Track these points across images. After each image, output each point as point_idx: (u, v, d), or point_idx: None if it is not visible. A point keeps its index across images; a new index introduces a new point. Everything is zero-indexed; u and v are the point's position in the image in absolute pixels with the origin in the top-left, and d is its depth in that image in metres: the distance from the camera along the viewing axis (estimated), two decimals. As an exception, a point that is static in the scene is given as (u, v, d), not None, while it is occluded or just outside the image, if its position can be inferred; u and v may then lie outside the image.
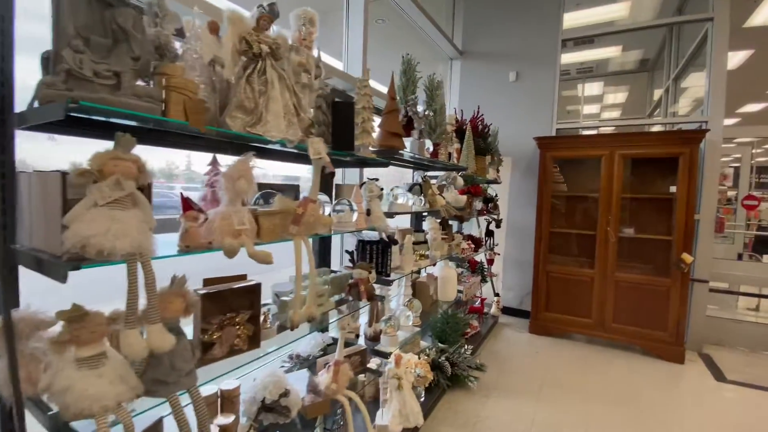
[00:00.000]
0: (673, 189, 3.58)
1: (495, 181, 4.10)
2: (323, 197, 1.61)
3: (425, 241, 2.76)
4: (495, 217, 4.07)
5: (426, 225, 2.73)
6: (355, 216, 1.67)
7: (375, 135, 1.91)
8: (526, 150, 4.36)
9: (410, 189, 2.59)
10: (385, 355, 2.01)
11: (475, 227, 4.47)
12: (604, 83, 7.62)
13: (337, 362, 1.66)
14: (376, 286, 2.01)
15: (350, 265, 1.80)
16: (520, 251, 4.48)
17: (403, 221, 3.07)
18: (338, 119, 1.46)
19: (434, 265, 2.84)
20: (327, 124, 1.56)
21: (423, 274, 3.14)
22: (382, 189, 1.84)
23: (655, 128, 4.53)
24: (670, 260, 3.49)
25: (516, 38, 4.44)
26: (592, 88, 7.91)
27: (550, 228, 3.96)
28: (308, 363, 1.92)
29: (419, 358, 2.66)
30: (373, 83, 2.81)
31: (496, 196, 4.26)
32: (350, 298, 1.80)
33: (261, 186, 1.46)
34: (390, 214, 2.01)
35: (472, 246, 3.45)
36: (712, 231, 3.64)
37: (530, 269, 4.06)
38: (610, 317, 3.71)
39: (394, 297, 2.72)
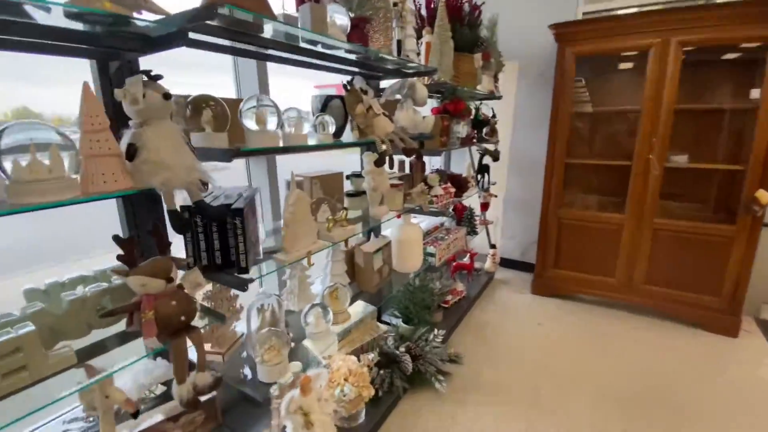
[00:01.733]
0: (755, 95, 2.39)
1: (492, 96, 2.94)
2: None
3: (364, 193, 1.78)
4: (490, 147, 2.98)
5: (365, 166, 1.72)
6: (67, 163, 0.69)
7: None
8: (540, 49, 3.11)
9: (324, 106, 1.54)
10: (256, 402, 1.16)
11: (466, 160, 3.41)
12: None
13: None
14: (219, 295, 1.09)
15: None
16: (526, 190, 3.44)
17: (349, 164, 2.03)
18: None
19: (398, 218, 1.89)
20: None
21: (387, 235, 2.21)
22: (169, 97, 0.82)
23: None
24: (740, 200, 2.42)
25: None
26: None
27: (566, 158, 2.87)
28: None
29: (362, 359, 1.83)
30: None
31: (494, 117, 3.12)
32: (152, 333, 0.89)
33: None
34: (229, 154, 1.00)
35: (451, 190, 2.44)
36: (808, 155, 2.50)
37: (538, 213, 3.07)
38: (641, 276, 2.77)
39: (317, 279, 1.82)
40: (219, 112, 1.10)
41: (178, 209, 0.93)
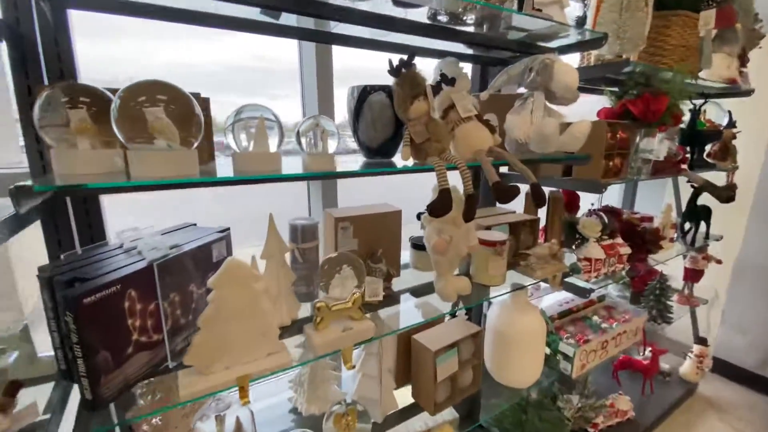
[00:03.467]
0: None
1: (733, 89, 1.69)
2: None
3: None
4: (712, 179, 1.73)
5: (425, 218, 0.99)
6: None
7: None
8: None
9: (360, 104, 0.89)
10: None
11: (667, 194, 2.20)
12: None
13: None
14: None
15: None
16: (784, 255, 1.96)
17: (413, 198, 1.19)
18: None
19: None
20: None
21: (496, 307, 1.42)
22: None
23: None
24: None
25: None
26: None
27: None
28: None
29: None
30: None
31: (732, 125, 1.82)
32: None
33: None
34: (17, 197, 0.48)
35: (622, 251, 1.41)
36: None
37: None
38: None
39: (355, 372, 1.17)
40: (97, 114, 0.60)
41: None
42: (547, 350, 1.45)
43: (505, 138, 1.08)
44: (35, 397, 0.69)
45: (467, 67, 1.39)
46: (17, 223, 0.70)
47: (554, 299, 1.72)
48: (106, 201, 1.04)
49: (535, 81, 1.01)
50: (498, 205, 1.51)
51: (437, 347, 1.08)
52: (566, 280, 1.34)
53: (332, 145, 0.71)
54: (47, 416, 0.65)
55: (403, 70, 0.84)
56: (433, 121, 0.85)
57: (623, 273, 1.89)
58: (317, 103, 1.31)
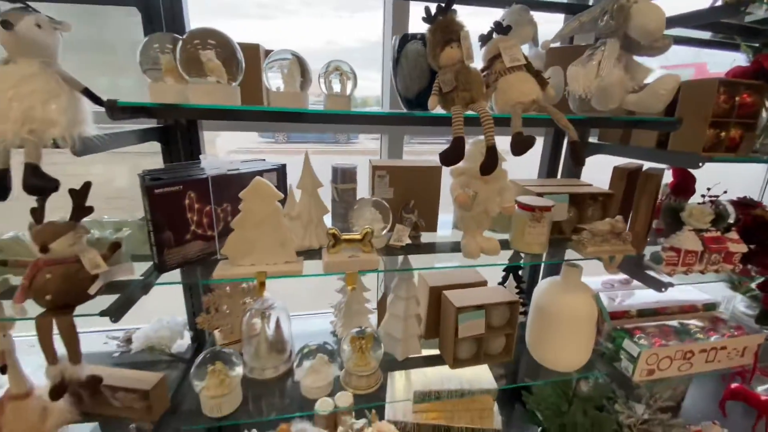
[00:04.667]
0: None
1: None
2: None
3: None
4: None
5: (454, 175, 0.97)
6: None
7: None
8: None
9: (397, 62, 0.92)
10: None
11: None
12: None
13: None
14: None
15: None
16: None
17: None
18: None
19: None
20: None
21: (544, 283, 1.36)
22: (8, 26, 0.58)
23: None
24: None
25: None
26: None
27: None
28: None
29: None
30: None
31: None
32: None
33: None
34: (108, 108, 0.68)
35: (734, 248, 1.13)
36: None
37: None
38: None
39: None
40: (186, 55, 0.78)
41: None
42: (610, 346, 1.29)
43: (570, 95, 0.98)
44: (142, 267, 0.98)
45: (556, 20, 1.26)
46: (139, 137, 0.97)
47: (646, 297, 1.47)
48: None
49: (609, 26, 0.88)
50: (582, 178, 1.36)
51: (462, 305, 1.09)
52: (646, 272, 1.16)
53: (350, 88, 0.79)
54: (141, 278, 0.92)
55: (440, 17, 0.84)
56: (465, 69, 0.83)
57: (752, 285, 1.53)
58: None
